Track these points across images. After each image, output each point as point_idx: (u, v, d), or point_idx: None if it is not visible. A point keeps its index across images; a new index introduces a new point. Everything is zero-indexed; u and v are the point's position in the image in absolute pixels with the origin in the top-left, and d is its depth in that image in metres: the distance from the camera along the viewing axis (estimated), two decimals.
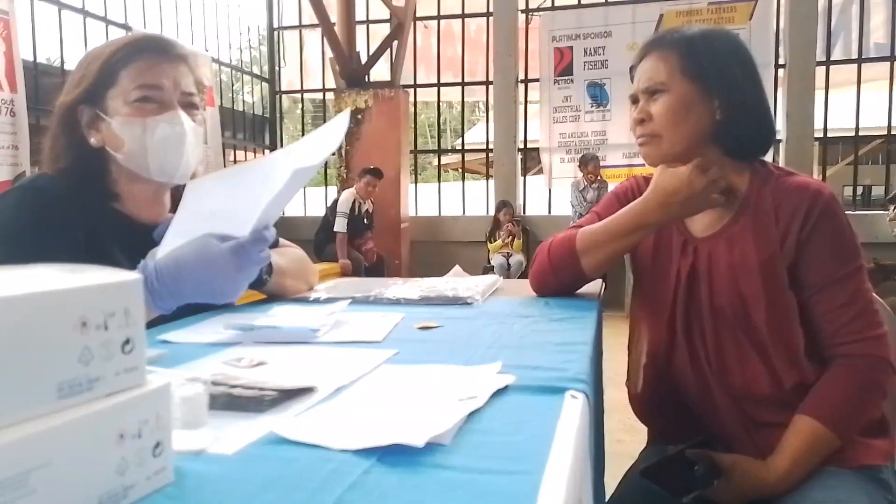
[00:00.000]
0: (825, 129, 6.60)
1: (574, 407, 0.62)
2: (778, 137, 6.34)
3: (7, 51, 3.94)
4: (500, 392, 0.65)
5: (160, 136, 1.06)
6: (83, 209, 1.05)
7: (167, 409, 0.44)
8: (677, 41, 1.10)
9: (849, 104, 6.59)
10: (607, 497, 1.16)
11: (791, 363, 1.05)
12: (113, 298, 0.40)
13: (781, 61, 6.55)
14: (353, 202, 5.59)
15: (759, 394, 1.07)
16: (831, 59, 6.60)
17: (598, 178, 6.17)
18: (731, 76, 1.08)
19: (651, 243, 1.18)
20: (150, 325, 0.91)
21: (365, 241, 5.78)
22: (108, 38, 5.10)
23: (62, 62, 4.80)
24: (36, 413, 0.36)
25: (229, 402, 0.61)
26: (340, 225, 5.48)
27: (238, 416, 0.59)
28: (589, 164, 6.15)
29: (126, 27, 5.25)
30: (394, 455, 0.49)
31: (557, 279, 1.22)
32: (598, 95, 6.89)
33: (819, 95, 6.48)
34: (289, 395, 0.63)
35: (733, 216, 1.10)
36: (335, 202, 5.72)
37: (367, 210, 5.82)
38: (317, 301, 1.21)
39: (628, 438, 2.06)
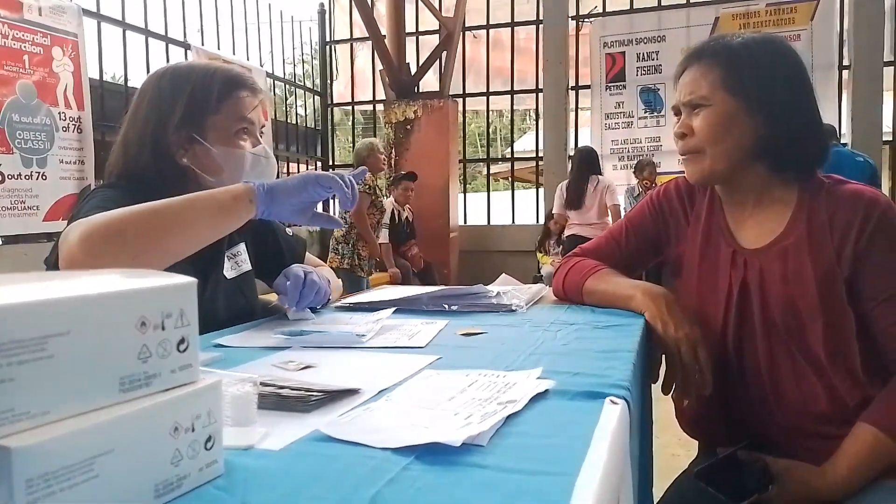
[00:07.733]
0: (895, 133, 6.30)
1: (613, 412, 0.62)
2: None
3: (75, 70, 4.14)
4: (538, 396, 0.66)
5: (256, 168, 1.15)
6: None
7: (218, 405, 0.47)
8: (719, 53, 1.07)
9: None
10: None
11: (851, 380, 1.02)
12: (170, 300, 0.43)
13: (846, 62, 6.28)
14: (392, 211, 5.66)
15: (817, 411, 1.04)
16: None
17: (654, 184, 6.06)
18: (776, 89, 1.04)
19: (697, 251, 1.16)
20: (204, 330, 0.95)
21: (409, 248, 5.84)
22: (167, 56, 5.30)
23: (125, 80, 5.01)
24: (100, 404, 0.39)
25: (277, 401, 0.64)
26: (383, 236, 5.55)
27: (285, 415, 0.62)
28: (645, 170, 6.03)
29: (185, 45, 5.44)
30: (432, 454, 0.51)
31: (568, 299, 1.30)
32: (652, 101, 6.76)
33: (888, 97, 6.19)
34: (334, 397, 0.66)
35: (785, 228, 1.07)
36: None
37: (406, 217, 5.87)
38: (363, 309, 1.24)
39: (683, 453, 2.02)
